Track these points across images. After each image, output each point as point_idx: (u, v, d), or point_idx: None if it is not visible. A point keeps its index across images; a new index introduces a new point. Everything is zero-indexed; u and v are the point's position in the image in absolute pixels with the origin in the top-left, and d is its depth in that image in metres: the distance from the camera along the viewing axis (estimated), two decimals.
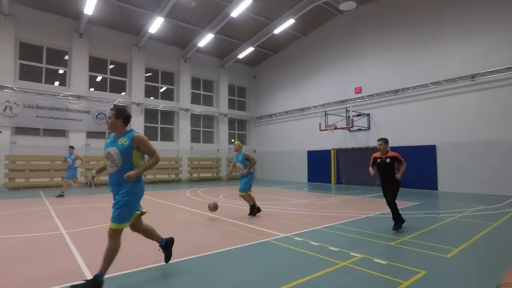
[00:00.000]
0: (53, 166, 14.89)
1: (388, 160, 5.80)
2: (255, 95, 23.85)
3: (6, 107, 13.89)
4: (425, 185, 13.35)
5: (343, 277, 3.46)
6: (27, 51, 15.00)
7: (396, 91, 14.63)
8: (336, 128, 15.41)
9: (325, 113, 16.28)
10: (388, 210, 6.26)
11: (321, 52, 18.58)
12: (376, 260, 3.96)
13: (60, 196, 10.97)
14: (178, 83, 19.95)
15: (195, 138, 20.87)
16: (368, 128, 15.81)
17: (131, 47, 17.84)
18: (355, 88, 16.49)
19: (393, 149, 14.80)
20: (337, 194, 12.65)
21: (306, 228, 5.89)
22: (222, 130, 21.81)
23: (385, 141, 5.89)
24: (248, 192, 7.28)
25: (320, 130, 16.16)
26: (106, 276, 3.24)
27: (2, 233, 5.59)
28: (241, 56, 20.40)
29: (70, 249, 4.54)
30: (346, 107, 15.97)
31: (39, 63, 15.33)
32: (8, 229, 5.93)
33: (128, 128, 3.51)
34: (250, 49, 19.63)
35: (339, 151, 17.21)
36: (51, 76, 15.74)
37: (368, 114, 15.84)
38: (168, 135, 19.80)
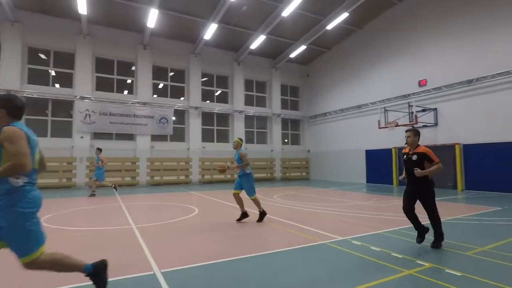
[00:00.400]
0: (124, 167, 16.54)
1: (414, 157, 4.51)
2: (308, 94, 23.44)
3: (86, 115, 15.81)
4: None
5: (408, 286, 3.17)
6: (102, 65, 16.91)
7: (469, 82, 13.03)
8: (397, 125, 14.29)
9: (385, 110, 15.23)
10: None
11: (378, 45, 17.46)
12: (447, 270, 3.55)
13: (92, 195, 11.67)
14: (232, 86, 20.57)
15: (249, 139, 21.27)
16: (435, 124, 14.36)
17: (188, 54, 18.93)
18: (419, 81, 15.12)
19: (469, 148, 13.42)
20: (399, 196, 11.74)
21: (365, 232, 5.56)
22: (275, 131, 21.87)
23: (414, 132, 4.67)
24: (255, 196, 6.79)
25: (379, 128, 15.16)
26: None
27: (83, 225, 6.35)
28: (293, 55, 20.23)
29: (139, 242, 4.94)
30: (408, 102, 14.74)
31: (111, 75, 17.16)
32: (88, 222, 6.71)
33: (15, 121, 2.59)
34: (302, 48, 19.35)
35: (402, 150, 15.94)
36: (121, 86, 17.50)
37: (435, 109, 14.40)
38: (223, 137, 20.53)
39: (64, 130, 15.89)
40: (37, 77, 15.47)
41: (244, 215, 6.78)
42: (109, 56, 17.04)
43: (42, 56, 15.77)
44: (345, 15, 15.75)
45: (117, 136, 17.01)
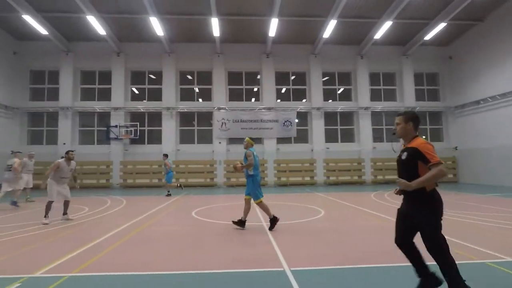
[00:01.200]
0: None
1: (404, 156, 2.89)
2: (451, 80, 19.60)
3: (222, 123, 18.17)
4: None
5: None
6: (232, 77, 19.10)
7: None
8: None
9: None
10: None
11: None
12: None
13: (168, 195, 12.64)
14: (355, 82, 19.42)
15: (377, 137, 19.54)
16: None
17: (308, 56, 19.07)
18: None
19: None
20: None
21: None
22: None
23: (405, 117, 2.96)
24: (261, 199, 6.17)
25: None
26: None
27: (222, 219, 7.22)
28: (428, 37, 17.38)
29: (270, 239, 5.22)
30: None
31: (240, 86, 19.14)
32: (226, 217, 7.59)
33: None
34: (441, 26, 16.33)
35: None
36: (249, 94, 19.26)
37: None
38: (349, 136, 19.58)
39: (206, 137, 18.73)
40: (186, 95, 18.90)
41: (242, 223, 6.18)
42: (238, 69, 19.06)
43: (189, 77, 19.15)
44: None
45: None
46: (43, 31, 15.84)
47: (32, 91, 18.42)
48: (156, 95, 18.58)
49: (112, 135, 17.62)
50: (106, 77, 18.50)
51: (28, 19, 14.80)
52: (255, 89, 19.43)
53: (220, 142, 18.22)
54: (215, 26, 15.46)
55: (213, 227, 6.37)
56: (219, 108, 18.24)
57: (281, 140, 18.75)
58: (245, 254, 4.46)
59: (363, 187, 16.84)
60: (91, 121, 18.68)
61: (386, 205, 9.31)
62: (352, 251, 4.48)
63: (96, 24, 15.37)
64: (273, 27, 15.59)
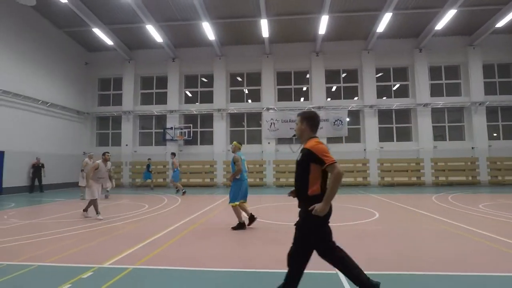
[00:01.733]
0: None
1: (299, 157, 2.81)
2: None
3: (271, 123, 18.24)
4: None
5: None
6: (281, 77, 19.08)
7: None
8: None
9: None
10: None
11: None
12: None
13: (184, 193, 13.11)
14: (412, 77, 18.06)
15: (438, 135, 17.94)
16: None
17: (360, 52, 18.23)
18: None
19: None
20: None
21: None
22: (478, 123, 17.29)
23: (301, 117, 2.95)
24: (236, 204, 6.09)
25: None
26: None
27: (273, 219, 7.23)
28: (500, 24, 15.45)
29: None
30: None
31: (289, 86, 19.03)
32: (277, 217, 7.58)
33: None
34: None
35: None
36: (298, 94, 19.05)
37: None
38: (405, 135, 18.29)
39: (255, 138, 18.97)
40: (235, 96, 19.36)
41: (250, 218, 6.27)
42: (287, 69, 18.96)
43: (239, 78, 19.58)
44: None
45: (296, 140, 18.57)
46: (109, 42, 17.54)
47: (100, 97, 20.45)
48: (207, 98, 19.34)
49: (168, 137, 18.78)
50: (162, 82, 19.78)
51: (97, 31, 16.53)
52: (304, 89, 19.15)
53: (269, 143, 18.33)
54: (264, 27, 15.59)
55: (263, 227, 6.41)
56: (268, 109, 18.35)
57: (331, 140, 18.21)
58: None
59: (423, 189, 15.57)
60: (150, 124, 20.13)
61: (451, 209, 8.49)
62: (409, 257, 4.15)
63: (154, 33, 16.54)
64: (323, 24, 15.21)
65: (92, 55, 20.13)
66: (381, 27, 15.62)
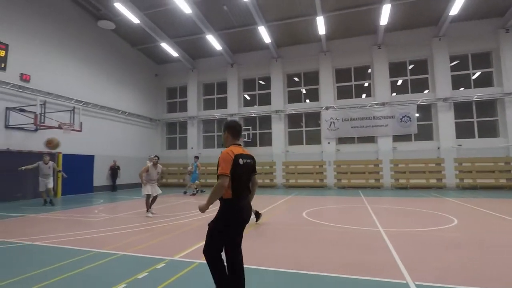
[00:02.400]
0: (367, 169, 16.83)
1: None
2: None
3: (330, 123, 17.68)
4: None
5: None
6: (340, 74, 18.39)
7: None
8: None
9: None
10: None
11: None
12: None
13: (193, 194, 13.37)
14: (498, 63, 15.72)
15: None
16: None
17: (430, 40, 16.56)
18: None
19: None
20: None
21: None
22: None
23: (224, 127, 3.07)
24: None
25: None
26: None
27: (335, 222, 7.00)
28: None
29: (387, 246, 4.76)
30: None
31: (349, 82, 18.22)
32: (338, 219, 7.33)
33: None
34: None
35: None
36: (359, 90, 18.11)
37: None
38: (489, 131, 15.98)
39: (314, 138, 18.59)
40: (293, 97, 19.27)
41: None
42: (346, 65, 18.19)
43: (296, 79, 19.44)
44: None
45: (359, 140, 17.68)
46: (174, 54, 19.09)
47: (168, 105, 22.33)
48: (265, 100, 19.63)
49: None
50: (222, 87, 20.72)
51: (165, 45, 18.18)
52: (366, 84, 18.12)
53: (329, 143, 17.78)
54: (321, 25, 15.23)
55: (325, 229, 6.24)
56: (327, 108, 17.84)
57: (398, 138, 16.88)
58: (358, 259, 4.19)
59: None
60: (212, 127, 21.23)
61: None
62: (494, 272, 3.61)
63: (213, 41, 17.47)
64: (385, 14, 14.22)
65: (160, 67, 22.11)
66: (455, 9, 13.97)
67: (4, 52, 11.87)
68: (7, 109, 11.97)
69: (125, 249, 4.73)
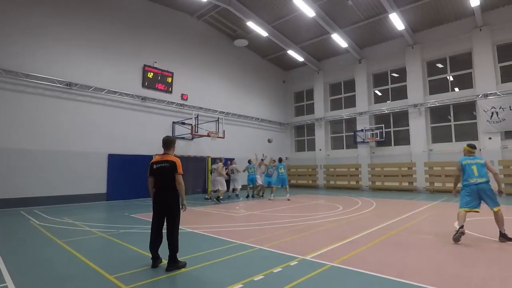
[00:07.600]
0: None
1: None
2: None
3: (492, 113, 14.15)
4: None
5: None
6: (502, 50, 14.47)
7: None
8: None
9: None
10: None
11: None
12: None
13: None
14: None
15: None
16: None
17: None
18: None
19: None
20: None
21: None
22: None
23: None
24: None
25: None
26: None
27: (488, 234, 5.53)
28: None
29: None
30: None
31: None
32: (491, 231, 5.75)
33: None
34: None
35: None
36: None
37: None
38: None
39: (467, 133, 15.28)
40: (436, 87, 16.47)
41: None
42: (511, 40, 14.20)
43: (439, 65, 16.55)
44: None
45: None
46: (300, 58, 19.65)
47: (296, 108, 23.13)
48: (400, 94, 17.60)
49: (358, 139, 18.51)
50: (350, 85, 19.86)
51: (291, 52, 19.00)
52: None
53: (490, 138, 14.27)
54: None
55: (480, 244, 5.00)
56: (485, 95, 14.39)
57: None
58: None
59: None
60: (340, 128, 20.62)
61: None
62: None
63: (339, 40, 17.02)
64: None
65: (287, 73, 23.21)
66: None
67: (171, 78, 15.29)
68: (174, 123, 15.32)
69: (262, 244, 5.18)
